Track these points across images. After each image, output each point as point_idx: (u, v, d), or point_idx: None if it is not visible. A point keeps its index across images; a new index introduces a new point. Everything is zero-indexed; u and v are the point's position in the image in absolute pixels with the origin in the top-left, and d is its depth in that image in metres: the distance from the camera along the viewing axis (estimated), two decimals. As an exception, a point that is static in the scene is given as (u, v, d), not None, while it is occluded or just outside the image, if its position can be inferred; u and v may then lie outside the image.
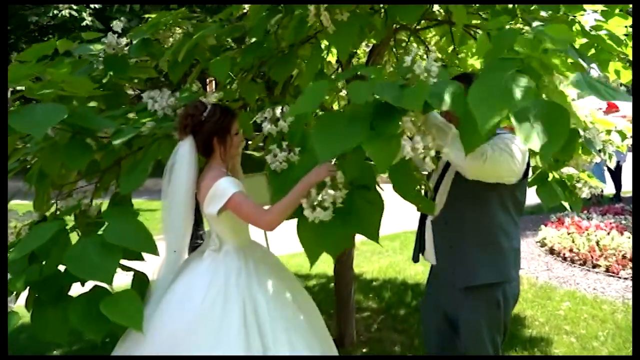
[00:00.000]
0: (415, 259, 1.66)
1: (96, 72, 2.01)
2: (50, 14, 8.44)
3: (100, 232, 1.32)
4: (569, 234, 4.46)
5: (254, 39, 1.90)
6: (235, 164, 1.68)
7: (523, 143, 0.88)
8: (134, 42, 1.99)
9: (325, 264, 4.12)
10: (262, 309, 1.39)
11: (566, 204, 2.27)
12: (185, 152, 1.45)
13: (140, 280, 1.52)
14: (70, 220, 1.70)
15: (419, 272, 3.82)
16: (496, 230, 1.46)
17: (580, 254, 3.98)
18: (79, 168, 1.62)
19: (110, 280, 1.24)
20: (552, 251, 4.28)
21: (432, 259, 1.57)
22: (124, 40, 2.00)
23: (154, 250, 1.31)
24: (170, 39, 2.16)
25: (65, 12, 8.48)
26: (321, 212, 1.17)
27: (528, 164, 1.40)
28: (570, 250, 4.09)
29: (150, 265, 1.51)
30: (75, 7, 8.66)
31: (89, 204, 1.83)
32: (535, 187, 2.16)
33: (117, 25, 2.03)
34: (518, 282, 1.54)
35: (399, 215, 6.90)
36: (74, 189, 1.93)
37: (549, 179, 2.18)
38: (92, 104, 1.95)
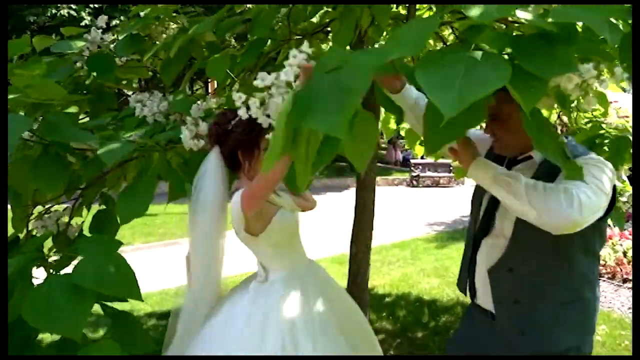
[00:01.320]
0: (463, 290, 1.34)
1: (79, 72, 1.78)
2: (49, 14, 8.24)
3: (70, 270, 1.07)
4: (592, 243, 4.20)
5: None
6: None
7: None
8: (121, 38, 1.75)
9: (337, 278, 3.87)
10: (305, 350, 1.23)
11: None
12: (210, 165, 1.31)
13: (123, 324, 1.26)
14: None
15: (434, 287, 3.57)
16: (581, 282, 1.16)
17: (608, 267, 3.71)
18: (52, 190, 1.38)
19: (78, 335, 1.00)
20: (575, 262, 4.01)
21: (489, 307, 1.26)
22: (109, 37, 1.76)
23: (136, 296, 1.06)
24: (164, 35, 1.92)
25: (64, 12, 8.29)
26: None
27: (614, 190, 1.11)
28: (597, 262, 3.82)
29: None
30: (74, 6, 8.47)
31: (68, 223, 1.61)
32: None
33: (101, 19, 1.78)
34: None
35: (407, 222, 6.69)
36: (50, 207, 1.70)
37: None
38: (72, 109, 1.72)
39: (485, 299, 1.26)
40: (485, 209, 1.25)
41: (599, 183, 1.03)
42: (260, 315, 1.26)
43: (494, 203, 1.22)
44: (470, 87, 0.60)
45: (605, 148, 1.81)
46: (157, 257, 5.68)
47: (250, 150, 1.31)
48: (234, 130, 1.30)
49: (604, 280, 3.62)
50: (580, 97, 0.87)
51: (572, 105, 2.26)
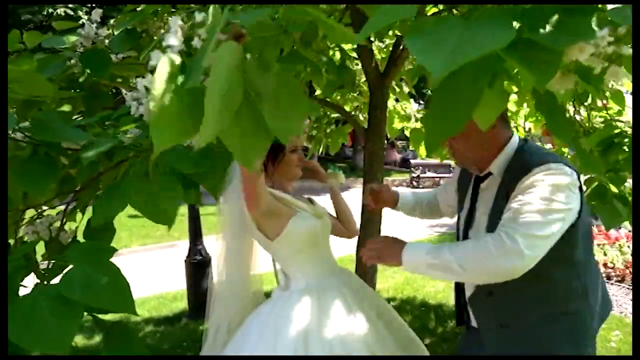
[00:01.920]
0: (459, 322, 1.33)
1: (73, 69, 1.70)
2: (45, 12, 8.15)
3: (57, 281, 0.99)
4: (598, 245, 4.12)
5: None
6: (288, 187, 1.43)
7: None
8: (117, 33, 1.66)
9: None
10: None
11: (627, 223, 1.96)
12: (234, 167, 1.31)
13: (118, 335, 1.18)
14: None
15: (439, 290, 3.48)
16: (563, 294, 1.11)
17: (617, 269, 3.64)
18: (40, 193, 1.30)
19: (66, 351, 0.91)
20: (583, 265, 3.94)
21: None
22: (104, 32, 1.68)
23: (130, 309, 0.97)
24: (162, 31, 1.84)
25: (61, 11, 8.20)
26: None
27: (580, 189, 1.06)
28: (605, 265, 3.74)
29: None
30: (71, 5, 8.38)
31: (60, 227, 1.52)
32: (592, 203, 1.85)
33: (96, 13, 1.70)
34: (593, 344, 1.19)
35: (408, 223, 6.59)
36: (42, 211, 1.61)
37: (608, 194, 1.86)
38: (66, 107, 1.64)
39: (475, 321, 1.23)
40: (463, 230, 1.22)
41: (552, 204, 0.98)
42: (274, 326, 1.24)
43: (468, 223, 1.19)
44: (464, 47, 0.52)
45: (625, 148, 1.73)
46: (155, 260, 5.59)
47: (276, 151, 1.31)
48: None
49: (613, 284, 3.54)
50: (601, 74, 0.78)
51: (586, 103, 2.19)
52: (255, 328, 1.27)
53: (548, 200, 0.98)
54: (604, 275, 3.70)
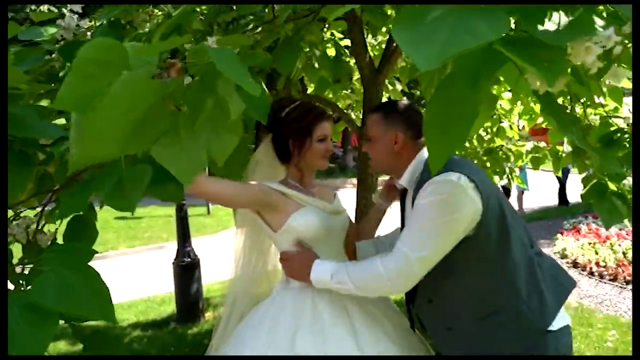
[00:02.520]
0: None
1: (53, 62, 1.62)
2: (28, 10, 7.99)
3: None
4: (590, 244, 4.12)
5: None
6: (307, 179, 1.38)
7: None
8: (99, 24, 1.59)
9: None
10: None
11: (627, 221, 1.93)
12: (258, 154, 1.34)
13: (96, 346, 1.10)
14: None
15: (433, 291, 3.44)
16: (491, 292, 1.12)
17: (609, 268, 3.63)
18: (14, 192, 1.21)
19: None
20: (575, 264, 3.92)
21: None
22: (86, 23, 1.61)
23: (109, 317, 0.90)
24: (148, 24, 1.77)
25: (44, 8, 8.03)
26: None
27: (485, 198, 1.06)
28: (597, 264, 3.74)
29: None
30: (56, 4, 8.23)
31: (37, 229, 1.44)
32: (591, 201, 1.82)
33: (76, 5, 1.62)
34: (564, 334, 1.14)
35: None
36: (20, 212, 1.52)
37: (607, 192, 1.83)
38: (44, 102, 1.56)
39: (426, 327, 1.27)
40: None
41: (432, 221, 1.03)
42: (269, 322, 1.21)
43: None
44: (455, 38, 0.48)
45: (625, 144, 1.70)
46: (142, 262, 5.49)
47: (302, 139, 1.28)
48: (287, 118, 1.27)
49: (606, 283, 3.53)
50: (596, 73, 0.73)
51: (582, 100, 2.16)
52: (252, 323, 1.26)
53: (428, 218, 1.04)
54: (596, 273, 3.69)
